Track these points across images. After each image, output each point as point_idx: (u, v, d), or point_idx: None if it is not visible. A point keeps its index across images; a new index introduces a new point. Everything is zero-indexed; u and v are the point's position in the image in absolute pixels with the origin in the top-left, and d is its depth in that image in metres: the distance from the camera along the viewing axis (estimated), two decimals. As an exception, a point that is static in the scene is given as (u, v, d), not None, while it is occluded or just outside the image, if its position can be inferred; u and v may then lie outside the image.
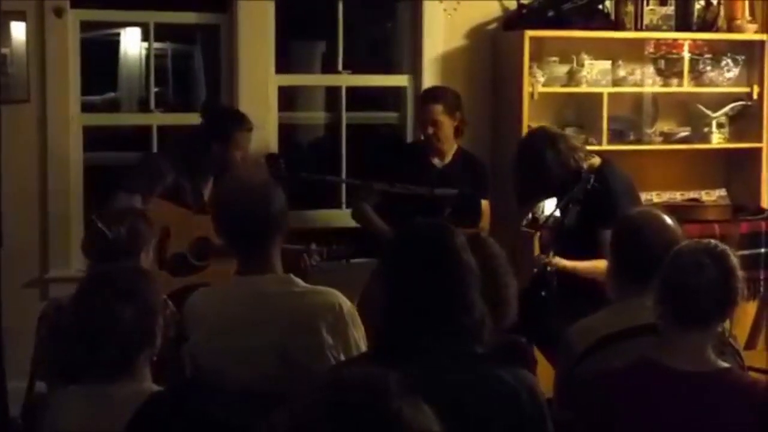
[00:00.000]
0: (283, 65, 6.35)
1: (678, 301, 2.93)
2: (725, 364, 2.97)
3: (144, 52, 8.49)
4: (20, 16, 5.64)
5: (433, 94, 5.74)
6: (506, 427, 2.67)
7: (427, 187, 5.26)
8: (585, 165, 4.88)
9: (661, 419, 2.91)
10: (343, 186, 6.31)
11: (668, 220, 3.58)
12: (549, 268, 4.72)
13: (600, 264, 4.44)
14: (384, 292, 2.80)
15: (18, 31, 5.67)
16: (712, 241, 3.06)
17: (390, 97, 6.79)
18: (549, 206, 5.85)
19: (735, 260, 2.97)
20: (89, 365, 2.99)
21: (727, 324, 3.27)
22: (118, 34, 9.67)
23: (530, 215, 5.99)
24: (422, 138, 5.69)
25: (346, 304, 3.43)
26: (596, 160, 4.96)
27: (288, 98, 7.37)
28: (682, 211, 5.92)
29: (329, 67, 6.59)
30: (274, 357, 3.30)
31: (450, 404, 2.43)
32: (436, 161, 5.68)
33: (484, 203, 5.64)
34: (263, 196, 3.48)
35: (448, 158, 5.69)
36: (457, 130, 5.67)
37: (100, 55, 9.39)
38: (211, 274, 5.02)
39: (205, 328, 3.44)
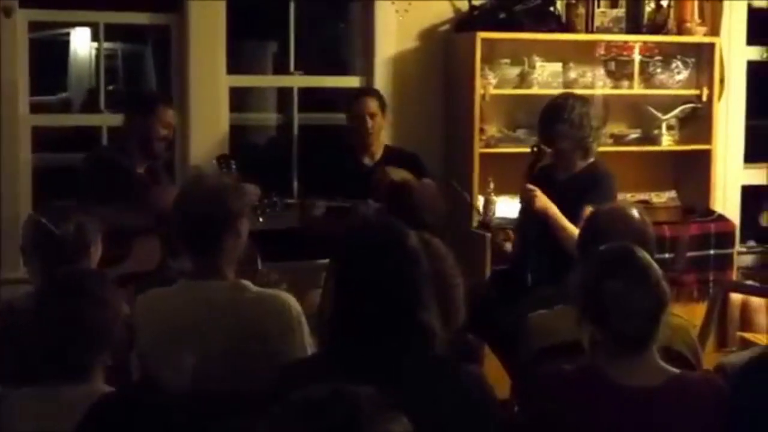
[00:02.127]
0: (234, 65, 6.31)
1: (606, 336, 2.89)
2: (674, 371, 2.93)
3: (94, 51, 8.45)
4: (-32, 16, 5.58)
5: (367, 90, 5.96)
6: (458, 427, 2.68)
7: (359, 196, 5.44)
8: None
9: None
10: (294, 187, 6.30)
11: (636, 215, 3.60)
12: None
13: (574, 230, 4.58)
14: (335, 291, 2.80)
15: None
16: (628, 247, 3.02)
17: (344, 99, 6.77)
18: (500, 209, 5.90)
19: (654, 267, 2.92)
20: (45, 368, 2.97)
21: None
22: (68, 34, 9.63)
23: (481, 217, 6.02)
24: (353, 136, 5.79)
25: (296, 308, 3.42)
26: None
27: (240, 99, 7.36)
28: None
29: (281, 68, 6.56)
30: (223, 364, 3.29)
31: (403, 407, 2.43)
32: (366, 160, 5.78)
33: (428, 182, 5.59)
34: (218, 198, 3.46)
35: (378, 156, 5.79)
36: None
37: (52, 54, 9.35)
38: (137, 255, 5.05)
39: (153, 333, 3.41)
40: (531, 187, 5.08)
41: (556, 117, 5.20)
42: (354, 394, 1.93)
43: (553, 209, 5.02)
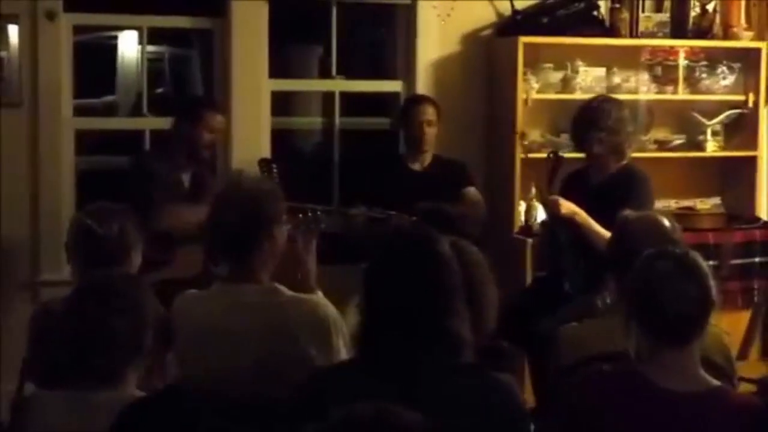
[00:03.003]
0: (280, 69, 6.33)
1: (654, 324, 2.87)
2: (716, 382, 2.90)
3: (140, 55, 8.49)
4: (13, 19, 5.62)
5: (426, 98, 5.93)
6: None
7: (405, 201, 5.43)
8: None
9: None
10: (336, 190, 6.31)
11: (666, 223, 3.57)
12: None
13: (604, 232, 4.55)
14: (365, 296, 2.79)
15: (11, 34, 5.65)
16: (680, 250, 3.00)
17: (389, 102, 6.76)
18: (542, 214, 5.86)
19: (705, 267, 2.90)
20: (76, 372, 2.98)
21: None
22: (117, 37, 9.68)
23: (522, 222, 5.99)
24: (407, 141, 5.81)
25: (331, 313, 3.41)
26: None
27: (287, 102, 7.36)
28: (676, 220, 5.90)
29: (325, 72, 6.57)
30: (255, 367, 3.29)
31: (433, 415, 2.42)
32: (416, 166, 5.80)
33: (473, 190, 5.70)
34: (254, 202, 3.46)
35: (427, 163, 5.82)
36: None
37: (100, 57, 9.41)
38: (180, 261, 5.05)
39: (188, 335, 3.42)
40: (553, 197, 5.06)
41: (593, 123, 5.16)
42: (398, 418, 1.90)
43: (581, 214, 4.99)
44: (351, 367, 2.87)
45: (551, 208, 5.07)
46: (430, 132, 5.75)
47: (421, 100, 5.90)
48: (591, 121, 5.18)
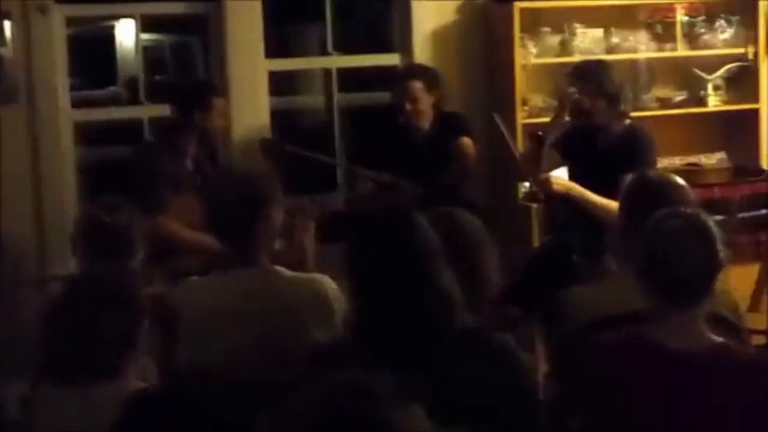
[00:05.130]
0: (280, 49, 6.29)
1: (662, 283, 2.86)
2: (720, 340, 2.89)
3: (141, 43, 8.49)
4: (5, 16, 5.60)
5: (413, 71, 5.76)
6: (487, 405, 2.64)
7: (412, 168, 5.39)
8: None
9: (657, 399, 2.84)
10: (336, 169, 6.28)
11: (677, 183, 3.56)
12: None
13: (602, 201, 4.52)
14: (348, 272, 2.79)
15: (6, 30, 5.63)
16: (689, 211, 2.99)
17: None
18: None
19: (714, 228, 2.89)
20: (75, 367, 2.98)
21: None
22: (114, 27, 9.68)
23: (528, 187, 5.94)
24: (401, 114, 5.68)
25: (332, 290, 3.40)
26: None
27: (290, 82, 7.34)
28: (682, 176, 5.85)
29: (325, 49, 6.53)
30: (261, 352, 3.28)
31: (429, 385, 2.41)
32: (416, 132, 5.63)
33: (467, 140, 5.56)
34: (250, 186, 3.45)
35: (427, 126, 5.62)
36: (435, 107, 5.65)
37: (100, 48, 9.40)
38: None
39: (190, 324, 3.41)
40: (544, 175, 4.97)
41: (575, 77, 5.08)
42: (369, 383, 1.90)
43: (575, 188, 4.88)
44: (348, 341, 2.86)
45: (544, 188, 4.99)
46: (413, 108, 5.56)
47: (406, 75, 5.74)
48: (575, 75, 5.09)
